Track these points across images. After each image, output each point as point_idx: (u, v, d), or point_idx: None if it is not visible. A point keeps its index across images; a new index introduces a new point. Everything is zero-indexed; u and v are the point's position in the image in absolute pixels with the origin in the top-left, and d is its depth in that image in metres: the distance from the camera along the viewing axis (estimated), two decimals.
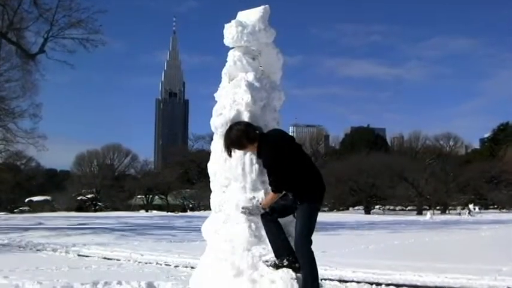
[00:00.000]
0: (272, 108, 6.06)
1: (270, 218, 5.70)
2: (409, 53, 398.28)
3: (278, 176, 5.63)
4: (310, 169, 5.79)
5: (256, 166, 5.98)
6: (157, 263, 19.59)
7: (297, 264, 5.57)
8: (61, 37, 40.36)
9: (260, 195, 5.97)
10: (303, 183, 5.63)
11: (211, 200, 6.30)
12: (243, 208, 5.81)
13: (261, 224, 5.78)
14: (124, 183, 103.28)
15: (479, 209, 77.99)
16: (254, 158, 6.00)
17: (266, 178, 6.04)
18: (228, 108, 6.01)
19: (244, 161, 6.00)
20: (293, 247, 5.67)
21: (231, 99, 6.06)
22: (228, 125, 5.95)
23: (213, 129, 6.13)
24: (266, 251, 5.71)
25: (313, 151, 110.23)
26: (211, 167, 6.25)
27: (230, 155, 5.89)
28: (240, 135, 5.78)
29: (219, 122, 6.03)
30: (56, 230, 36.43)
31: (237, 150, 5.91)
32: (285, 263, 5.57)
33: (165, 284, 12.80)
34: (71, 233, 33.95)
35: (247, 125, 5.82)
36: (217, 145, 6.20)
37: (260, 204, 5.83)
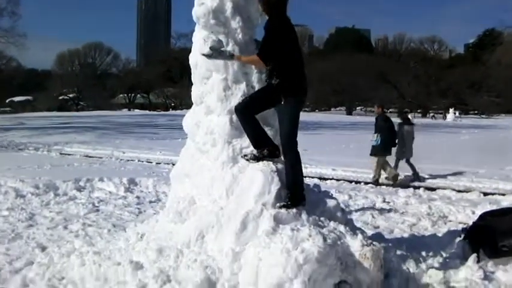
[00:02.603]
0: None
1: (245, 111, 5.60)
2: None
3: (272, 50, 5.47)
4: (302, 68, 5.66)
5: None
6: (139, 161, 19.82)
7: (277, 152, 5.59)
8: None
9: (242, 87, 5.86)
10: (293, 73, 5.52)
11: (192, 93, 6.17)
12: (210, 48, 5.65)
13: None
14: (106, 82, 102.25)
15: (459, 113, 78.76)
16: (236, 48, 5.84)
17: (248, 70, 5.93)
18: None
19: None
20: (270, 137, 5.68)
21: None
22: (211, 14, 5.75)
23: (194, 19, 5.91)
24: (247, 143, 5.67)
25: None
26: (193, 58, 6.07)
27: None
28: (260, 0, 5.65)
29: (201, 11, 5.79)
30: (38, 130, 36.47)
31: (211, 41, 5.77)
32: (266, 153, 5.57)
33: (146, 180, 12.98)
34: (52, 133, 34.04)
35: None
36: (198, 36, 6.00)
37: (232, 52, 5.72)
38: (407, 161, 15.21)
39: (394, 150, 15.12)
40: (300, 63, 5.64)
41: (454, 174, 15.53)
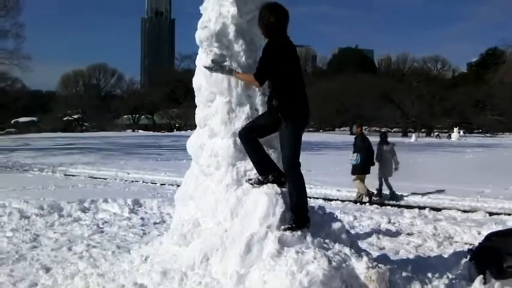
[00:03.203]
0: None
1: (249, 136, 5.60)
2: None
3: (268, 71, 5.47)
4: (303, 90, 5.63)
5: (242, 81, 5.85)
6: (143, 182, 19.81)
7: (282, 179, 5.55)
8: None
9: (245, 109, 5.88)
10: (292, 95, 5.50)
11: (196, 115, 6.20)
12: (212, 61, 5.70)
13: None
14: (110, 103, 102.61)
15: (464, 132, 78.77)
16: (239, 71, 5.86)
17: (252, 92, 5.94)
18: (214, 21, 5.81)
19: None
20: (275, 162, 5.66)
21: (217, 11, 5.85)
22: (214, 38, 5.79)
23: (197, 42, 5.95)
24: (251, 166, 5.68)
25: None
26: (196, 81, 6.10)
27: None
28: (259, 23, 5.65)
29: (204, 35, 5.83)
30: (42, 151, 36.57)
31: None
32: (270, 179, 5.56)
33: (151, 201, 12.94)
34: (57, 153, 34.11)
35: (278, 17, 5.54)
36: (202, 59, 6.03)
37: (232, 68, 5.74)
38: (386, 180, 15.58)
39: (373, 169, 15.51)
40: (301, 84, 5.62)
41: (459, 194, 15.48)
